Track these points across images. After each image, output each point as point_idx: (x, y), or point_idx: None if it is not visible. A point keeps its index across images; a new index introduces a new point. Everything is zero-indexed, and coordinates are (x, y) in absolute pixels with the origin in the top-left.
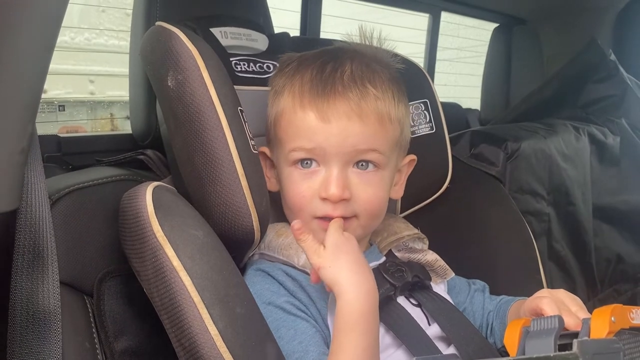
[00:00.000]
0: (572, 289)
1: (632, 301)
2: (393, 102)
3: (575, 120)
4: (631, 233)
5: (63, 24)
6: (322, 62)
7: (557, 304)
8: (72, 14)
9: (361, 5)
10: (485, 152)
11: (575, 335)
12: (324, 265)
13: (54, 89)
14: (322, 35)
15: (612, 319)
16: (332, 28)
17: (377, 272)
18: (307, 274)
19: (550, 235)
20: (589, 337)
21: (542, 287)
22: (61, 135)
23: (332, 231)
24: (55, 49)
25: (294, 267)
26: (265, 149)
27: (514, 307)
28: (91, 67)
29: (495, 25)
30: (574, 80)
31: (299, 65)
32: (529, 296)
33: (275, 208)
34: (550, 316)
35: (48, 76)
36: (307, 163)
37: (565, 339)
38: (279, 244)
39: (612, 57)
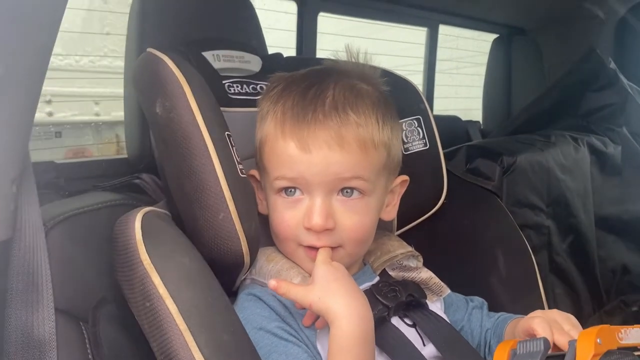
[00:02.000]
0: (577, 302)
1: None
2: (377, 127)
3: (576, 130)
4: (636, 243)
5: (69, 47)
6: (306, 87)
7: (550, 323)
8: (75, 38)
9: (357, 21)
10: (481, 166)
11: (561, 357)
12: (314, 299)
13: (59, 111)
14: (319, 53)
15: (598, 340)
16: (328, 45)
17: (370, 293)
18: None
19: (551, 248)
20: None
21: (542, 302)
22: (57, 161)
23: (319, 263)
24: (60, 71)
25: None
26: (255, 172)
27: (511, 326)
28: (96, 89)
29: (495, 36)
30: (574, 90)
31: (283, 90)
32: (527, 311)
33: (266, 231)
34: (537, 338)
35: (54, 99)
36: (290, 191)
37: None
38: (269, 270)
39: (612, 65)
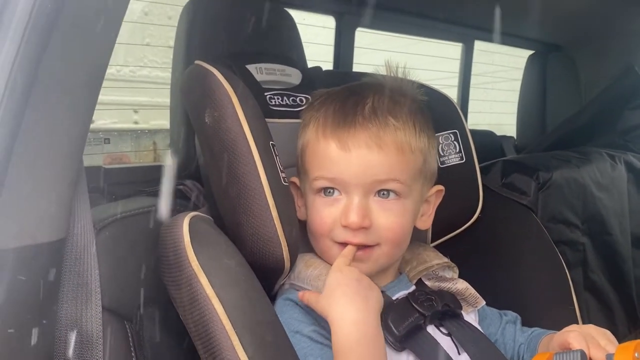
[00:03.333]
0: (611, 321)
1: None
2: (414, 132)
3: (613, 148)
4: None
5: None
6: (346, 96)
7: (586, 338)
8: (117, 48)
9: (393, 36)
10: (517, 181)
11: None
12: (322, 305)
13: (99, 119)
14: (355, 67)
15: (636, 354)
16: (364, 59)
17: (406, 301)
18: None
19: (586, 265)
20: None
21: (576, 318)
22: (105, 166)
23: (331, 271)
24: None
25: None
26: (296, 179)
27: (545, 341)
28: (136, 97)
29: (530, 52)
30: (611, 107)
31: (325, 100)
32: (561, 326)
33: (305, 238)
34: (573, 350)
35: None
36: (329, 191)
37: None
38: (308, 275)
39: None
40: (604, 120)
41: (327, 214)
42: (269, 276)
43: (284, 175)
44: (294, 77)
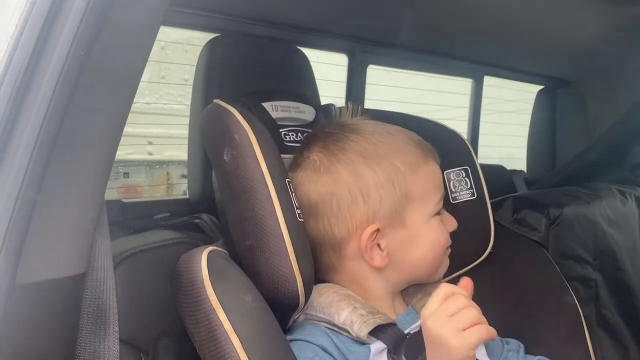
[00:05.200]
0: (626, 357)
1: None
2: None
3: (622, 184)
4: None
5: None
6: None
7: None
8: None
9: (404, 72)
10: (528, 217)
11: None
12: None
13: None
14: (367, 103)
15: None
16: (376, 95)
17: (419, 335)
18: (347, 331)
19: (598, 301)
20: None
21: (589, 356)
22: (124, 200)
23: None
24: None
25: (334, 324)
26: (373, 226)
27: None
28: (150, 129)
29: (539, 87)
30: (620, 142)
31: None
32: None
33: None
34: None
35: None
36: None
37: None
38: (320, 303)
39: None
40: (614, 155)
41: (444, 229)
42: (283, 310)
43: (299, 211)
44: (308, 113)
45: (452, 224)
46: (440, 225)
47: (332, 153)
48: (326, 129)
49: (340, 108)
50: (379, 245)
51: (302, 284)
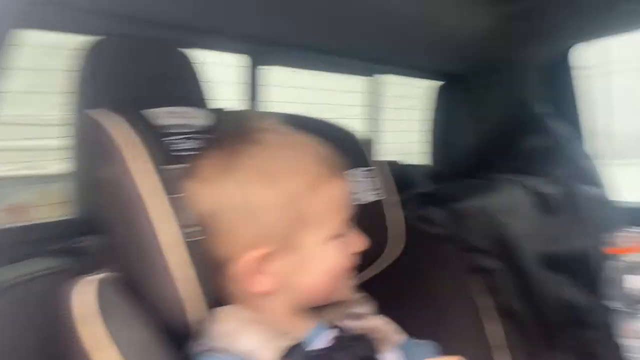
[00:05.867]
0: (529, 341)
1: (587, 345)
2: None
3: (514, 174)
4: (580, 279)
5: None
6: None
7: None
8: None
9: (302, 72)
10: (431, 213)
11: None
12: None
13: None
14: (268, 105)
15: None
16: (274, 97)
17: (328, 350)
18: None
19: (500, 290)
20: None
21: (488, 347)
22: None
23: None
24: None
25: (238, 354)
26: (255, 252)
27: None
28: (30, 142)
29: (435, 82)
30: (510, 134)
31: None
32: (475, 357)
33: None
34: None
35: None
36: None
37: None
38: (220, 331)
39: (542, 109)
40: (505, 147)
41: (344, 252)
42: (177, 340)
43: (189, 230)
44: (201, 118)
45: (359, 244)
46: (338, 249)
47: (226, 166)
48: (225, 137)
49: (242, 112)
50: (265, 269)
51: (191, 310)
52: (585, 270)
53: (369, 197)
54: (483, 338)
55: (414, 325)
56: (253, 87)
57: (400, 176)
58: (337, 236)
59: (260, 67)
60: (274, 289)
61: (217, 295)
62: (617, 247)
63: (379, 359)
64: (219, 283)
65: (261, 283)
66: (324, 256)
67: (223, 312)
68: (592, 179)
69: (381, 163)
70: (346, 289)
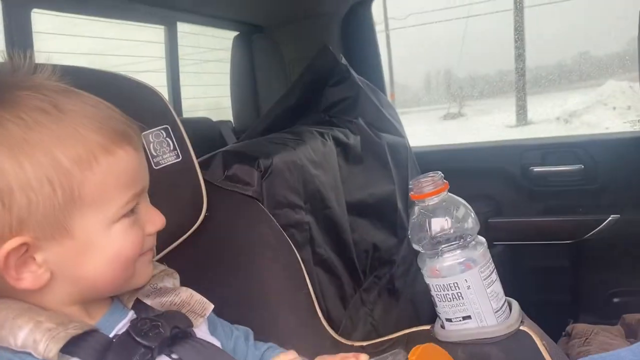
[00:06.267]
0: (340, 287)
1: (390, 282)
2: None
3: (320, 125)
4: (381, 222)
5: None
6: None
7: None
8: None
9: (86, 18)
10: (239, 172)
11: None
12: None
13: None
14: (37, 56)
15: None
16: (48, 45)
17: (127, 336)
18: (29, 354)
19: (313, 242)
20: None
21: (310, 298)
22: None
23: None
24: None
25: (11, 349)
26: (18, 239)
27: None
28: None
29: (235, 33)
30: (313, 86)
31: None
32: (300, 313)
33: None
34: None
35: None
36: (133, 210)
37: None
38: None
39: (344, 61)
40: (310, 98)
41: (135, 234)
42: None
43: None
44: None
45: (155, 222)
46: (128, 231)
47: None
48: None
49: None
50: (32, 262)
51: None
52: (388, 214)
53: (167, 159)
54: (306, 289)
55: (230, 291)
56: (21, 34)
57: (207, 133)
58: (125, 216)
59: (31, 10)
60: (47, 283)
61: None
62: (419, 192)
63: (189, 334)
64: None
65: (30, 278)
66: (109, 242)
67: None
68: (391, 128)
69: (182, 120)
70: (145, 274)
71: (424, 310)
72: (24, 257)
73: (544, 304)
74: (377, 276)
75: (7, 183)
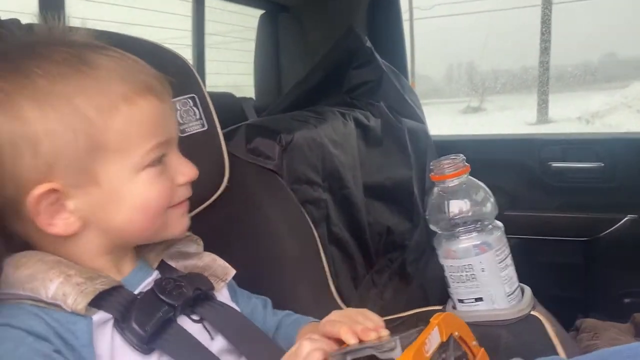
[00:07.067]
0: (352, 267)
1: (402, 266)
2: None
3: (341, 106)
4: (397, 206)
5: None
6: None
7: (353, 327)
8: None
9: None
10: (261, 146)
11: None
12: None
13: None
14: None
15: None
16: (82, 12)
17: (152, 293)
18: (58, 306)
19: (329, 220)
20: None
21: (325, 273)
22: None
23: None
24: None
25: (42, 300)
26: (51, 185)
27: (305, 331)
28: None
29: (261, 11)
30: (337, 67)
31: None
32: (314, 286)
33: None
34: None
35: None
36: (159, 160)
37: None
38: (19, 277)
39: (368, 43)
40: (333, 80)
41: (162, 184)
42: None
43: None
44: None
45: (186, 173)
46: (154, 180)
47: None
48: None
49: (29, 25)
50: (63, 208)
51: None
52: (404, 199)
53: (193, 127)
54: (321, 264)
55: (248, 261)
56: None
57: (230, 107)
58: (150, 165)
59: None
60: (78, 230)
61: (18, 239)
62: (439, 173)
63: (210, 297)
64: (17, 228)
65: (62, 224)
66: (135, 190)
67: (26, 256)
68: (412, 113)
69: (208, 93)
70: (180, 226)
71: (435, 296)
72: (56, 205)
73: (554, 300)
74: (389, 259)
75: (34, 131)
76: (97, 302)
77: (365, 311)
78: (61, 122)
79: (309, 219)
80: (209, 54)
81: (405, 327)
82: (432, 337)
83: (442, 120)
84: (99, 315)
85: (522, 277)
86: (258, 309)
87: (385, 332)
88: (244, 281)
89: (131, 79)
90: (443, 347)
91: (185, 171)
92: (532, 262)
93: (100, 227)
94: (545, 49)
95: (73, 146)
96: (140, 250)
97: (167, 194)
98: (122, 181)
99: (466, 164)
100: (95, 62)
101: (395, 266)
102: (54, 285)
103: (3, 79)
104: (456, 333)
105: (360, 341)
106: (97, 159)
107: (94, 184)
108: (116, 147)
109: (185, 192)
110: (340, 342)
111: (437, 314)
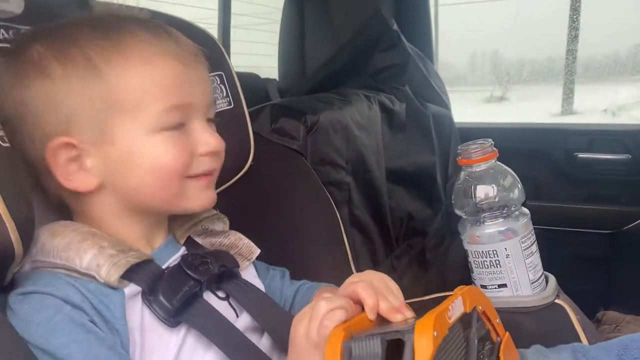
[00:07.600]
0: (372, 250)
1: (422, 253)
2: None
3: (366, 89)
4: (419, 192)
5: None
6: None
7: (373, 289)
8: None
9: None
10: (286, 126)
11: (399, 334)
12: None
13: None
14: None
15: (435, 334)
16: None
17: (179, 268)
18: (91, 277)
19: (351, 203)
20: None
21: (347, 255)
22: None
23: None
24: None
25: (76, 270)
26: (67, 139)
27: (322, 291)
28: None
29: None
30: (362, 50)
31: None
32: (335, 264)
33: (54, 211)
34: (372, 336)
35: None
36: (176, 126)
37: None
38: (55, 246)
39: (395, 27)
40: (358, 63)
41: (178, 150)
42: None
43: (1, 133)
44: (13, 4)
45: (209, 143)
46: (169, 144)
47: (56, 48)
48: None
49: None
50: (81, 165)
51: (14, 227)
52: (426, 185)
53: (219, 105)
54: (342, 246)
55: (270, 238)
56: None
57: (254, 87)
58: (168, 129)
59: None
60: (95, 188)
61: (55, 206)
62: (467, 157)
63: (235, 275)
64: (47, 184)
65: (80, 179)
66: (148, 152)
67: (62, 225)
68: (437, 98)
69: (235, 72)
70: (200, 200)
71: (453, 284)
72: (76, 162)
73: (575, 292)
74: (409, 245)
75: (58, 89)
76: (129, 274)
77: (384, 277)
78: (79, 78)
79: (331, 201)
80: (234, 34)
81: (424, 311)
82: (456, 306)
83: (464, 108)
84: (130, 288)
85: (545, 267)
86: (276, 278)
87: (410, 314)
88: (266, 258)
89: (155, 42)
90: (466, 319)
91: (208, 141)
92: (555, 253)
93: (116, 188)
94: (575, 37)
95: (89, 101)
96: (170, 226)
97: (183, 161)
98: (137, 142)
99: (494, 149)
100: (123, 27)
101: (415, 252)
102: (89, 255)
103: (46, 46)
104: (480, 307)
105: (383, 319)
106: (113, 117)
107: (110, 143)
108: (132, 107)
109: (208, 165)
110: (361, 305)
111: (462, 286)
